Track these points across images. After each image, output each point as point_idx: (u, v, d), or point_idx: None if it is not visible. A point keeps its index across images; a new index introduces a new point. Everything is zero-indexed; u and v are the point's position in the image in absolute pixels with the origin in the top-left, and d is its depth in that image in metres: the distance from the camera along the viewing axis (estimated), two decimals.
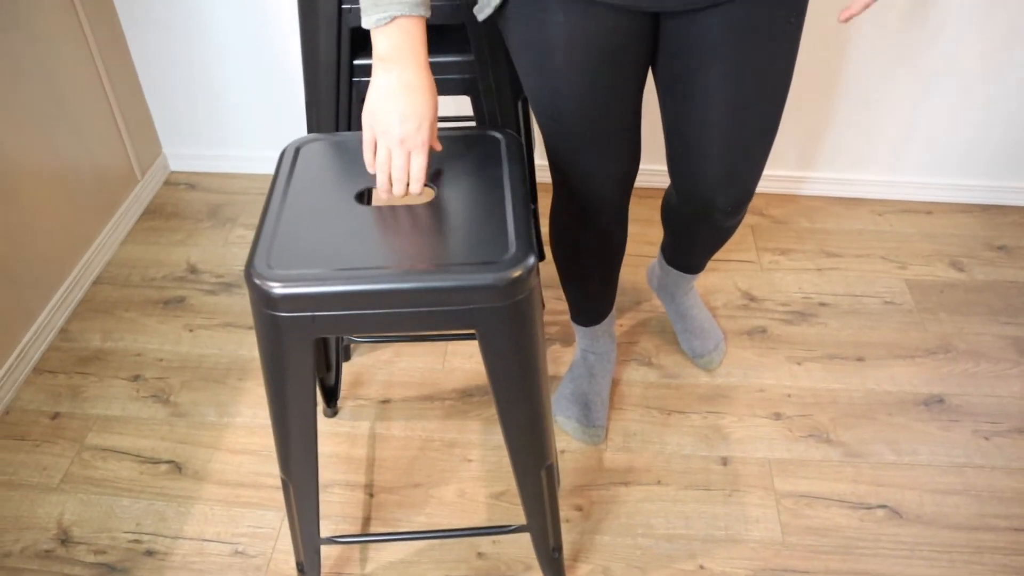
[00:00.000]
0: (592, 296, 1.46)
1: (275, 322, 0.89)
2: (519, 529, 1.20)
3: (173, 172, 2.20)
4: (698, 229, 1.34)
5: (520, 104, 1.32)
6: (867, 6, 1.07)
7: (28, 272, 1.65)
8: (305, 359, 0.93)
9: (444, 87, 1.28)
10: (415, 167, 0.96)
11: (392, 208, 0.96)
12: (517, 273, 0.86)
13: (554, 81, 1.08)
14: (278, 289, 0.86)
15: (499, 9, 1.05)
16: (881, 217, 2.04)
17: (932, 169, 2.04)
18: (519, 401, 0.99)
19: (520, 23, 1.05)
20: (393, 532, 1.36)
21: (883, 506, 1.40)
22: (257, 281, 0.87)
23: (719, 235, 1.36)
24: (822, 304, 1.79)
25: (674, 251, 1.49)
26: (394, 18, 0.93)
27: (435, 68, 1.27)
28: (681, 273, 1.54)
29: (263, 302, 0.87)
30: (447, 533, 1.29)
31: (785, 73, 1.08)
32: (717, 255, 1.91)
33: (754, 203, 2.07)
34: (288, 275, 0.87)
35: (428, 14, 0.96)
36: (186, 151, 2.17)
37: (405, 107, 0.94)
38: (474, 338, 1.55)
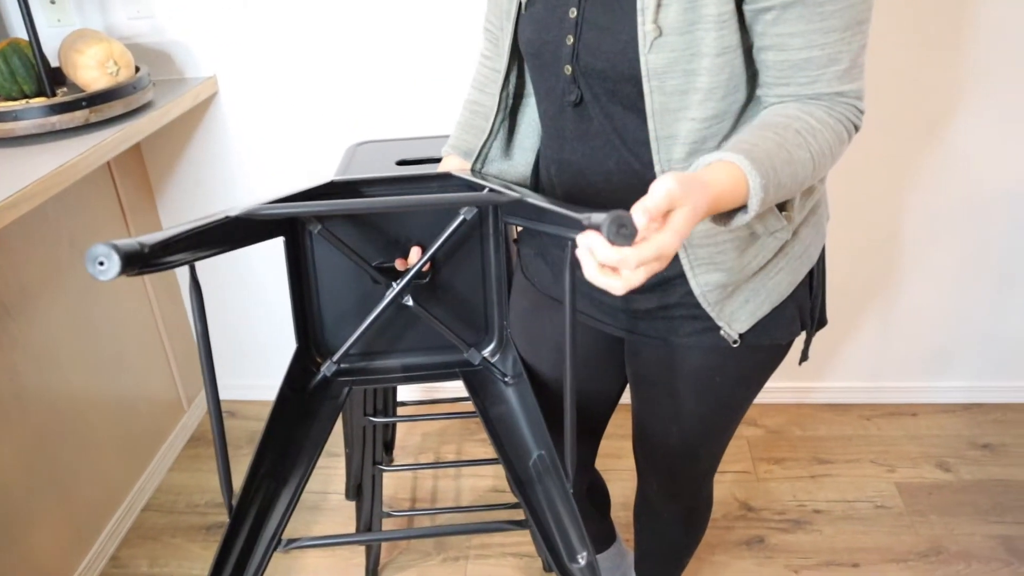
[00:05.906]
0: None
1: None
2: None
3: None
4: (643, 516, 1.40)
5: None
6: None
7: (85, 503, 1.83)
8: None
9: None
10: None
11: None
12: None
13: (541, 362, 1.21)
14: None
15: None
16: (869, 421, 2.18)
17: (912, 372, 2.21)
18: None
19: (518, 307, 1.22)
20: None
21: None
22: None
23: (660, 529, 1.38)
24: (816, 511, 1.91)
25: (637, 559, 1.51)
26: None
27: None
28: None
29: None
30: None
31: (709, 416, 1.14)
32: None
33: (749, 414, 2.23)
34: None
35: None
36: (228, 381, 2.39)
37: None
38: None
